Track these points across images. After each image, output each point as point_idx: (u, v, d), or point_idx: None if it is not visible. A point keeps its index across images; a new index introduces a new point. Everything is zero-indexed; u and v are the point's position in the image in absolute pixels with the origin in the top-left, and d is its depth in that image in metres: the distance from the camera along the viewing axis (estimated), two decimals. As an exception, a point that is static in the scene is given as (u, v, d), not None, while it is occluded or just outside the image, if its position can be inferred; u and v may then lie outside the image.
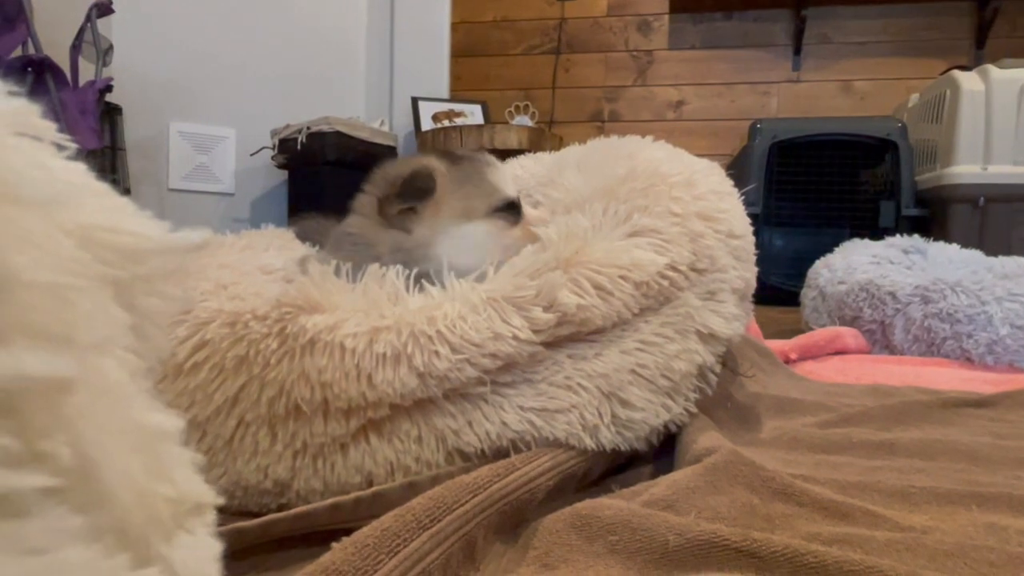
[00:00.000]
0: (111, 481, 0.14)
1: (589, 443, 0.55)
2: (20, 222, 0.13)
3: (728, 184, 0.72)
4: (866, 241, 1.52)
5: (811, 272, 1.50)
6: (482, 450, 0.53)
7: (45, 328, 0.13)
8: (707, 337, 0.62)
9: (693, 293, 0.62)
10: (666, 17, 3.13)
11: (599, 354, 0.56)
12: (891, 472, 0.58)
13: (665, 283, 0.59)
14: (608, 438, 0.56)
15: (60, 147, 0.19)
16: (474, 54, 3.28)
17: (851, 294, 1.31)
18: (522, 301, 0.54)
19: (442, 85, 3.06)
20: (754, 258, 0.72)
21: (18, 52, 1.83)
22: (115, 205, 0.19)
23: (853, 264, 1.38)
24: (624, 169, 0.67)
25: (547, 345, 0.55)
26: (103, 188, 0.19)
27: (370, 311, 0.53)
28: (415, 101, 2.87)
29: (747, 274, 0.69)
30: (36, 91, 1.83)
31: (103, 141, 2.07)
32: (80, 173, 0.18)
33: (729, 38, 3.07)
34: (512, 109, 3.13)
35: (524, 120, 3.04)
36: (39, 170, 0.15)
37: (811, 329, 1.34)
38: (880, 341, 1.27)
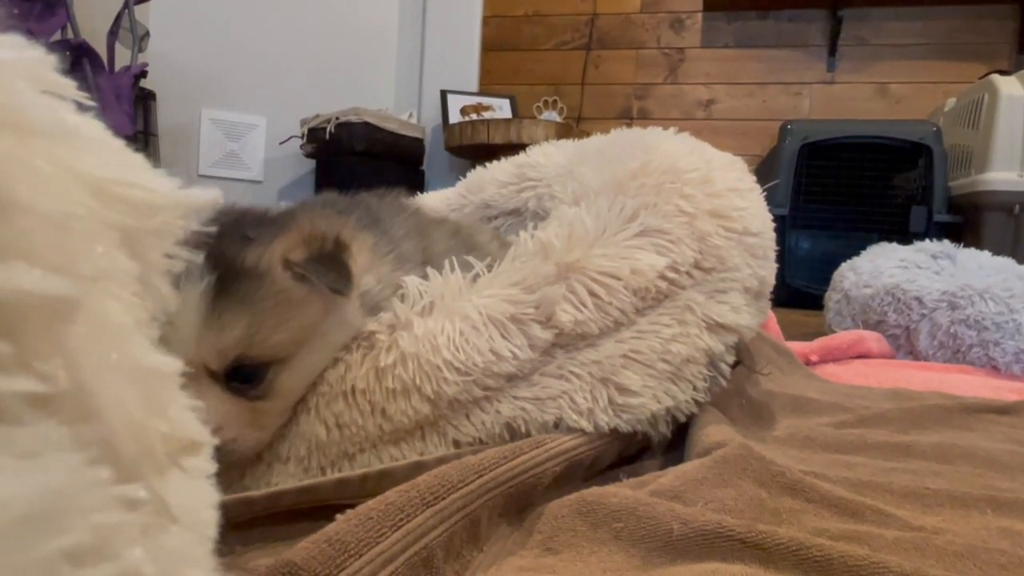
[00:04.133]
0: (104, 407, 0.14)
1: (586, 425, 0.55)
2: (26, 156, 0.14)
3: (749, 180, 0.71)
4: (894, 245, 1.49)
5: (836, 275, 1.47)
6: (479, 439, 0.55)
7: (43, 254, 0.14)
8: (714, 327, 0.61)
9: (698, 291, 0.61)
10: (699, 15, 3.09)
11: (592, 344, 0.57)
12: (905, 473, 0.58)
13: (664, 284, 0.59)
14: (605, 420, 0.56)
15: (81, 106, 0.20)
16: (505, 48, 3.28)
17: (876, 298, 1.28)
18: (522, 317, 0.54)
19: (472, 78, 3.07)
20: (774, 255, 0.70)
21: (57, 36, 1.87)
22: (128, 160, 0.19)
23: (880, 268, 1.35)
24: (638, 163, 0.67)
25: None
26: (118, 144, 0.19)
27: (373, 345, 0.54)
28: (444, 94, 2.88)
29: (763, 272, 0.68)
30: (73, 75, 1.87)
31: (136, 126, 2.11)
32: (96, 127, 0.19)
33: (763, 37, 3.02)
34: (541, 104, 3.12)
35: (552, 116, 3.03)
36: (53, 119, 0.16)
37: (834, 332, 1.32)
38: (904, 346, 1.25)
